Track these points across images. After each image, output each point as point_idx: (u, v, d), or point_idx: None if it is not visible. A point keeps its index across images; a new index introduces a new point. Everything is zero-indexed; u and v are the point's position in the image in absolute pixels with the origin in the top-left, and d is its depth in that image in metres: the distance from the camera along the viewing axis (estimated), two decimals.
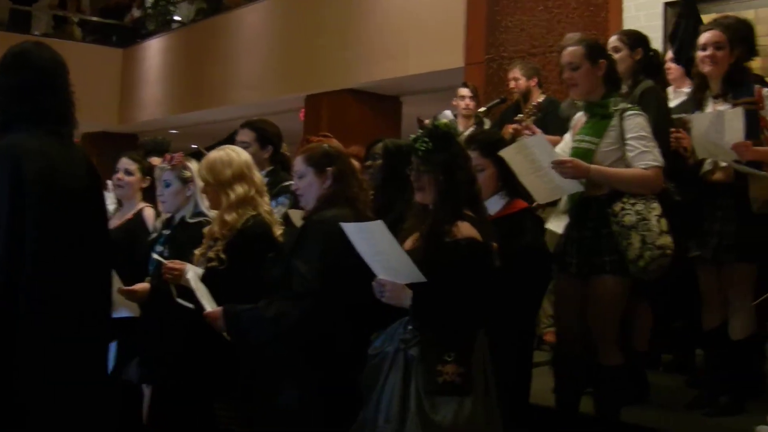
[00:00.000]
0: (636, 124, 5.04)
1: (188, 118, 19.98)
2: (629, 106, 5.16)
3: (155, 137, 8.43)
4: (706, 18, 8.60)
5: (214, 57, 18.51)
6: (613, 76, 5.28)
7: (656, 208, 4.98)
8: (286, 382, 4.39)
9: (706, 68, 5.69)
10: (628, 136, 5.03)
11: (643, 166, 4.98)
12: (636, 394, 5.80)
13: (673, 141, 5.62)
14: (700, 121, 5.56)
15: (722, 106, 5.59)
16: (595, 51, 5.25)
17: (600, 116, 5.16)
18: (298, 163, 4.66)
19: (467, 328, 4.04)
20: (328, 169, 4.55)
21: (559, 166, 4.96)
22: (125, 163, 6.39)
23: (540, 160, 5.02)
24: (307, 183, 4.60)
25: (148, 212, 6.30)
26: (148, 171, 6.44)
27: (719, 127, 5.38)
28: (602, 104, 5.18)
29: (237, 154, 5.02)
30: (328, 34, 15.27)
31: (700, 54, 5.71)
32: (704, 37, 5.71)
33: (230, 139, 6.60)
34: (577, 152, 5.13)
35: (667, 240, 4.91)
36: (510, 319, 4.48)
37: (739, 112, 5.39)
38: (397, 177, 5.00)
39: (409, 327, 4.04)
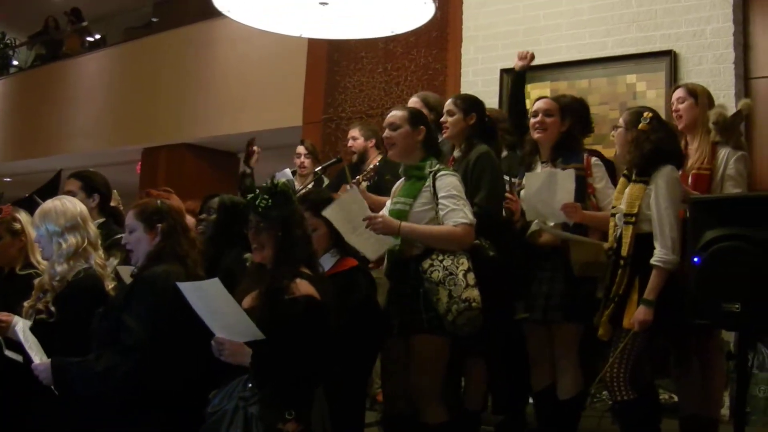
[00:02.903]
0: (447, 183, 5.20)
1: (22, 165, 19.51)
2: (442, 167, 5.33)
3: None
4: (540, 86, 8.95)
5: (51, 104, 18.17)
6: (431, 142, 5.44)
7: (464, 263, 5.10)
8: None
9: (535, 134, 5.86)
10: (440, 195, 5.17)
11: (452, 224, 5.11)
12: None
13: (506, 203, 5.77)
14: (532, 181, 5.69)
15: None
16: (417, 118, 5.46)
17: (416, 178, 5.31)
18: (129, 218, 4.66)
19: (306, 385, 4.06)
20: (158, 225, 4.56)
21: (370, 222, 5.07)
22: None
23: (357, 216, 5.11)
24: (136, 238, 4.60)
25: None
26: None
27: (551, 187, 5.52)
28: (418, 167, 5.34)
29: (72, 204, 4.95)
30: (166, 88, 15.21)
31: (531, 120, 5.89)
32: (536, 105, 5.91)
33: (52, 184, 6.48)
34: (392, 213, 5.27)
35: (473, 293, 5.02)
36: (342, 376, 4.50)
37: (571, 173, 5.56)
38: (229, 233, 5.03)
39: (249, 385, 4.02)
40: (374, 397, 7.37)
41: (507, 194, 5.82)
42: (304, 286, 4.08)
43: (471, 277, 5.06)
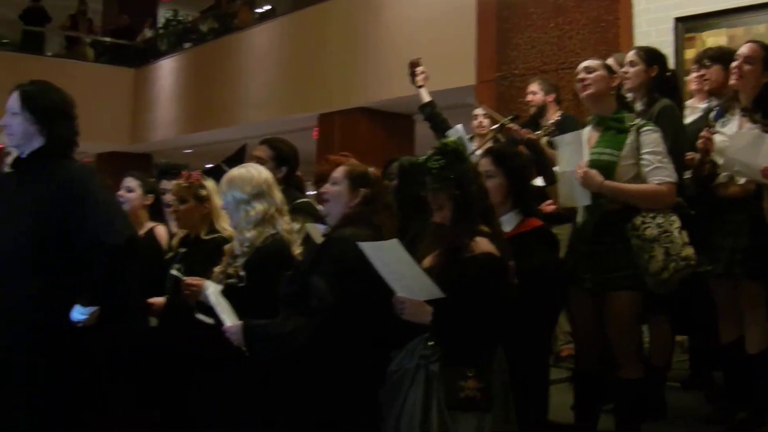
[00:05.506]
0: (652, 140, 5.07)
1: (200, 137, 20.02)
2: (645, 122, 5.19)
3: (170, 161, 8.47)
4: (715, 33, 8.69)
5: (225, 76, 18.56)
6: (621, 95, 5.34)
7: (676, 220, 4.99)
8: (305, 399, 4.36)
9: (732, 80, 5.66)
10: (644, 150, 5.05)
11: (657, 182, 5.00)
12: (655, 411, 5.77)
13: (701, 143, 5.59)
14: (737, 140, 5.46)
15: (749, 124, 5.53)
16: (611, 68, 5.36)
17: (616, 130, 5.18)
18: (338, 172, 4.67)
19: (486, 343, 4.06)
20: (362, 189, 4.55)
21: (579, 169, 5.01)
22: (127, 181, 6.48)
23: (573, 158, 5.11)
24: (337, 191, 4.60)
25: (160, 230, 6.34)
26: (150, 189, 6.47)
27: (755, 149, 5.32)
28: (617, 118, 5.21)
29: (258, 172, 4.99)
30: (337, 53, 15.34)
31: (732, 65, 5.68)
32: (740, 49, 5.68)
33: (237, 156, 6.57)
34: (596, 165, 5.10)
35: (690, 251, 4.93)
36: (525, 337, 4.46)
37: None
38: (412, 197, 5.00)
39: (429, 343, 4.04)
40: (558, 354, 7.34)
41: (703, 133, 5.63)
42: (483, 244, 4.08)
43: (685, 234, 4.97)
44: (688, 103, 6.56)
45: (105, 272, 4.73)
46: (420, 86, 7.30)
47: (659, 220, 4.95)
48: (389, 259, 4.03)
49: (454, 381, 3.93)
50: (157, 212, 6.51)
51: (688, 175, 5.68)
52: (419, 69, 7.31)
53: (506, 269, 4.12)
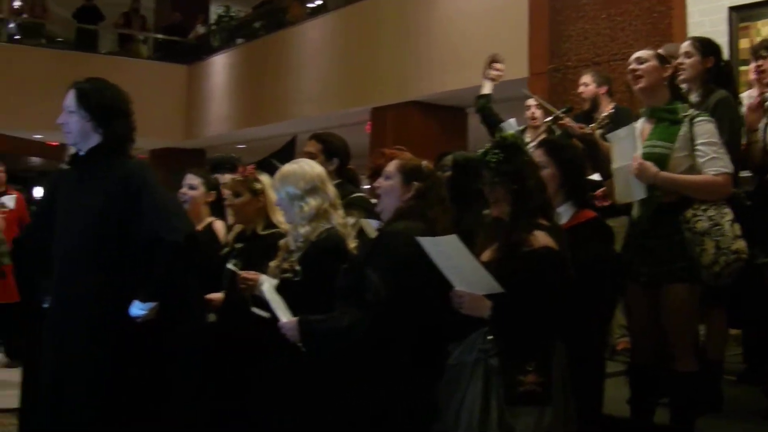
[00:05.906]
0: (706, 131, 5.01)
1: (253, 132, 20.11)
2: (698, 112, 5.13)
3: (224, 154, 8.52)
4: None
5: (278, 72, 18.63)
6: (674, 84, 5.28)
7: (728, 213, 4.94)
8: (360, 392, 4.37)
9: None
10: (699, 141, 4.99)
11: (713, 172, 4.94)
12: (710, 405, 5.72)
13: (750, 104, 5.58)
14: None
15: None
16: (664, 57, 5.32)
17: (669, 122, 5.13)
18: (391, 166, 4.70)
19: (546, 337, 4.05)
20: (415, 183, 4.56)
21: (636, 160, 4.97)
22: (189, 178, 6.50)
23: (627, 151, 5.06)
24: (389, 186, 4.63)
25: (218, 225, 6.37)
26: (213, 186, 6.51)
27: None
28: (670, 110, 5.16)
29: (310, 167, 5.01)
30: (390, 47, 15.33)
31: None
32: None
33: (288, 149, 6.59)
34: (649, 158, 5.06)
35: (741, 245, 4.88)
36: (580, 329, 4.44)
37: None
38: (465, 190, 4.99)
39: (489, 337, 4.04)
40: (614, 347, 7.30)
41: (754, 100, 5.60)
42: (542, 238, 4.06)
43: (737, 227, 4.93)
44: (746, 93, 6.50)
45: (164, 269, 4.79)
46: (490, 78, 7.29)
47: (711, 212, 4.92)
48: (448, 253, 4.04)
49: (513, 375, 3.93)
50: (217, 207, 6.55)
51: (746, 174, 5.64)
52: (499, 65, 7.29)
53: (565, 263, 4.11)
